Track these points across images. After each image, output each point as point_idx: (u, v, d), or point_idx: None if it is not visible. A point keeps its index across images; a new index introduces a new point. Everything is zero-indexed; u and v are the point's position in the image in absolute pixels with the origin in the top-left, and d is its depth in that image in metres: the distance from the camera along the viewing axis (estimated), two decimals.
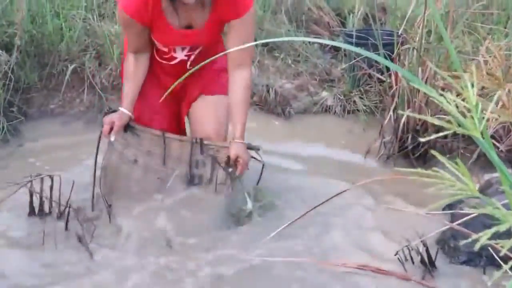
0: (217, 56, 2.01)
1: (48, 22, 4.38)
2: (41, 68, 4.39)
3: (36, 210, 2.96)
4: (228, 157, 2.98)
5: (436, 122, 1.11)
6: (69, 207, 2.88)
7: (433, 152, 1.15)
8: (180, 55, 3.01)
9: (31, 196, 2.93)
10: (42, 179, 2.89)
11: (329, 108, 4.56)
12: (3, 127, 3.94)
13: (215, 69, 3.13)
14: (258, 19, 5.17)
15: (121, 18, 2.85)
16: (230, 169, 2.98)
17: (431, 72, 3.70)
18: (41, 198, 2.94)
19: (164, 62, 3.06)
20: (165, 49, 2.99)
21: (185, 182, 3.06)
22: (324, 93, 4.68)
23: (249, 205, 3.01)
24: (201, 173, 3.07)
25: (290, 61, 5.02)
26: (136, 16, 2.78)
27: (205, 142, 3.07)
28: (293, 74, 4.91)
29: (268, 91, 4.56)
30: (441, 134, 1.09)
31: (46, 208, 2.96)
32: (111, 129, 2.92)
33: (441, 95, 1.06)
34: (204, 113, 3.14)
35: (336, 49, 5.38)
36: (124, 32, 3.05)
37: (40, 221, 2.93)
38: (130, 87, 3.00)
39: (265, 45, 5.08)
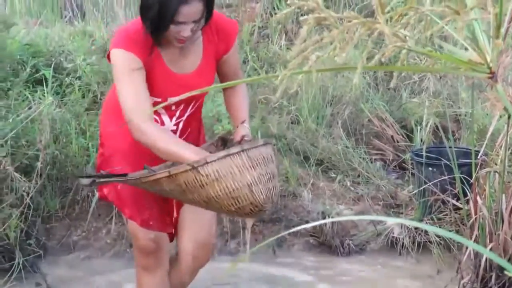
0: None
1: (73, 142, 4.56)
2: (63, 194, 4.52)
3: None
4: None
5: None
6: None
7: None
8: (169, 125, 3.01)
9: None
10: None
11: (396, 240, 4.58)
12: (18, 263, 3.98)
13: None
14: (312, 134, 5.30)
15: (121, 59, 2.76)
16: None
17: None
18: None
19: None
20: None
21: None
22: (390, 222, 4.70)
23: None
24: None
25: (348, 183, 5.09)
26: (136, 49, 2.75)
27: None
28: (352, 198, 4.97)
29: (324, 220, 4.60)
30: None
31: None
32: None
33: None
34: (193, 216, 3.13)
35: (402, 167, 5.45)
36: (124, 83, 2.77)
37: None
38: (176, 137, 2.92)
39: (319, 164, 5.18)
